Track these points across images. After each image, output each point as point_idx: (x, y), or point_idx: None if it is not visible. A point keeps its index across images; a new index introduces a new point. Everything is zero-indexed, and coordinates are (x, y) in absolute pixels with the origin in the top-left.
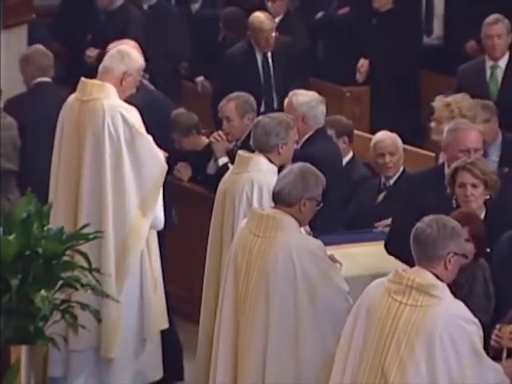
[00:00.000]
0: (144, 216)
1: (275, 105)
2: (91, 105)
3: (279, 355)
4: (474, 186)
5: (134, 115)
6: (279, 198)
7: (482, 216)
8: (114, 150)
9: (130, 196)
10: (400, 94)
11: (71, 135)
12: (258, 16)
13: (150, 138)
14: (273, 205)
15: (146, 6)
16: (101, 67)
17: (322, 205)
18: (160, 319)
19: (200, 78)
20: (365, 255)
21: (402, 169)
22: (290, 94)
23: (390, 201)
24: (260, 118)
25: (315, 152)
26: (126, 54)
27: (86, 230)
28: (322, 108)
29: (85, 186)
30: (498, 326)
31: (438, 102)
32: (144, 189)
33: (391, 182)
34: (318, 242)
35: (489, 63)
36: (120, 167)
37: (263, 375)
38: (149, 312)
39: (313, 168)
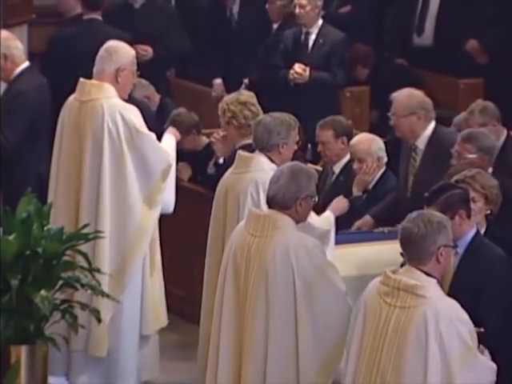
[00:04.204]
0: (150, 210)
1: None
2: (90, 105)
3: (279, 355)
4: (473, 200)
5: (134, 114)
6: (274, 203)
7: (483, 231)
8: (114, 149)
9: (134, 194)
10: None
11: (71, 135)
12: None
13: (152, 135)
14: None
15: (137, 5)
16: (94, 71)
17: (316, 199)
18: (160, 318)
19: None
20: (366, 255)
21: (381, 173)
22: None
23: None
24: (262, 116)
25: None
26: (114, 51)
27: (85, 230)
28: None
29: (85, 187)
30: None
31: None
32: (149, 185)
33: (370, 186)
34: (314, 241)
35: None
36: (122, 166)
37: (264, 376)
38: (149, 310)
39: (304, 166)
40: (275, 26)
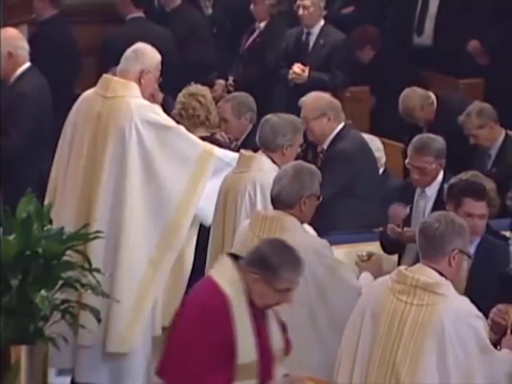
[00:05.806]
0: (187, 208)
1: None
2: (116, 102)
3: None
4: None
5: (157, 112)
6: (278, 202)
7: None
8: (142, 149)
9: (169, 190)
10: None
11: (88, 129)
12: None
13: (179, 127)
14: (272, 208)
15: (169, 9)
16: (118, 70)
17: (321, 198)
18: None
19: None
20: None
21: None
22: None
23: None
24: (269, 115)
25: None
26: (141, 53)
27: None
28: None
29: (104, 186)
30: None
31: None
32: (187, 177)
33: None
34: (322, 241)
35: None
36: (151, 164)
37: None
38: (159, 310)
39: (306, 165)
40: (262, 24)
